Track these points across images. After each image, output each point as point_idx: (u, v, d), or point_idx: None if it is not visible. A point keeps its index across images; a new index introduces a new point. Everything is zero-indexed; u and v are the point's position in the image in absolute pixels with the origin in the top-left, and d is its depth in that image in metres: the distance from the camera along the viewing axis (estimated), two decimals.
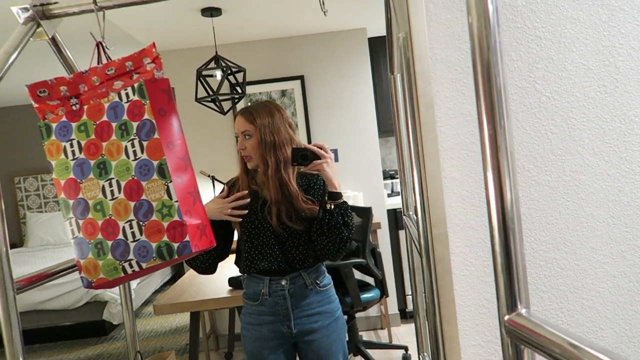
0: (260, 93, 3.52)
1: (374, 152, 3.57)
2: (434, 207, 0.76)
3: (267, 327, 1.54)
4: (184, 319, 4.19)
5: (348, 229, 1.46)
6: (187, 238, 1.10)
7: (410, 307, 3.66)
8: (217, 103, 2.71)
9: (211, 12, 2.73)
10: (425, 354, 1.34)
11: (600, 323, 0.81)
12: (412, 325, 3.55)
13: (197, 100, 2.73)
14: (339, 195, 1.45)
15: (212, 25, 2.89)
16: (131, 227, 1.13)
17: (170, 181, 1.12)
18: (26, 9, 1.16)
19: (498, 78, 0.57)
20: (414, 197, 0.84)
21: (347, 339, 1.65)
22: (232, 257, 1.70)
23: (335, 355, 1.57)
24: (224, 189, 1.63)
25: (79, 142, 1.18)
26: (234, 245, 1.66)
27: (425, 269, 0.81)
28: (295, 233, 1.51)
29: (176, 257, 1.11)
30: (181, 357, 3.39)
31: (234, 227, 1.62)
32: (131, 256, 1.13)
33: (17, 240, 5.64)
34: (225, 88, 3.36)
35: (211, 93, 2.65)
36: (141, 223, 1.12)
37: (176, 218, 1.11)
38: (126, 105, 1.16)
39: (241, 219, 1.53)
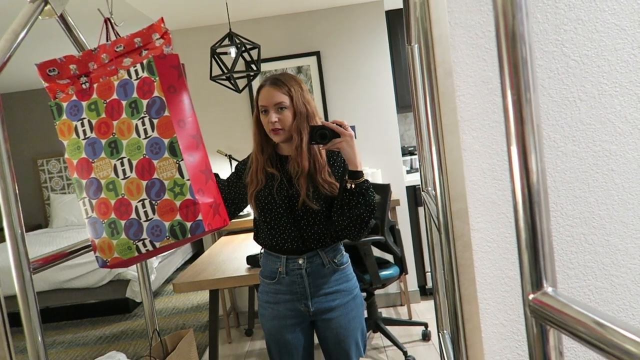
0: (275, 70, 3.47)
1: (392, 128, 3.50)
2: (453, 182, 0.72)
3: (284, 305, 1.54)
4: (204, 296, 4.25)
5: (369, 208, 1.41)
6: (199, 217, 1.09)
7: (430, 284, 3.64)
8: (232, 81, 2.67)
9: None
10: (445, 331, 1.32)
11: (631, 301, 0.77)
12: (432, 302, 3.53)
13: (212, 78, 2.70)
14: (359, 173, 1.40)
15: (226, 2, 2.84)
16: (144, 206, 1.12)
17: (182, 159, 1.10)
18: None
19: (523, 42, 0.53)
20: (433, 172, 0.80)
21: (365, 316, 1.63)
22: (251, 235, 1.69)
23: (353, 334, 1.56)
24: (232, 174, 1.60)
25: (89, 121, 1.17)
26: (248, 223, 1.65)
27: (444, 245, 0.78)
28: (311, 212, 1.47)
29: (189, 236, 1.10)
30: (202, 333, 3.44)
31: (247, 204, 1.59)
32: (144, 235, 1.12)
33: (43, 221, 5.77)
34: (240, 66, 3.32)
35: (226, 71, 2.62)
36: (154, 202, 1.11)
37: (188, 197, 1.09)
38: (136, 83, 1.13)
39: (255, 200, 1.50)
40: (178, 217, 1.09)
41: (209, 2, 2.95)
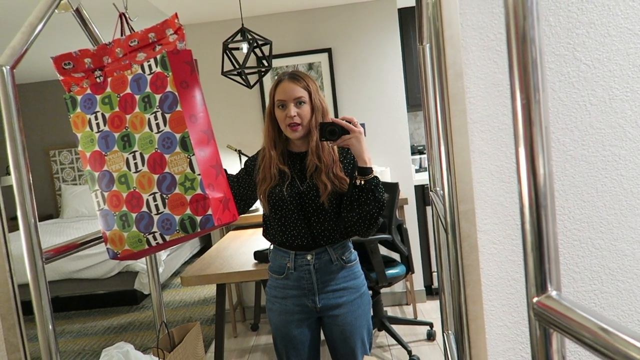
0: (287, 66, 3.48)
1: (402, 126, 3.50)
2: (461, 183, 0.73)
3: (292, 300, 1.55)
4: (211, 290, 4.28)
5: (378, 205, 1.41)
6: (209, 211, 1.10)
7: (436, 284, 3.63)
8: (243, 76, 2.68)
9: None
10: (449, 332, 1.32)
11: (637, 307, 0.77)
12: (438, 302, 3.53)
13: (223, 73, 2.71)
14: (369, 170, 1.40)
15: None
16: (155, 199, 1.13)
17: (193, 154, 1.11)
18: None
19: (534, 44, 0.53)
20: (441, 172, 0.80)
21: (371, 314, 1.64)
22: (260, 231, 1.70)
23: (359, 331, 1.57)
24: (241, 170, 1.61)
25: (103, 115, 1.19)
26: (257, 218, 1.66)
27: (451, 246, 0.78)
28: (321, 209, 1.48)
29: (199, 230, 1.11)
30: (209, 327, 3.47)
31: (255, 200, 1.60)
32: (155, 229, 1.13)
33: (54, 212, 5.84)
34: (252, 61, 3.33)
35: (237, 66, 2.63)
36: (164, 196, 1.12)
37: (199, 191, 1.10)
38: (149, 78, 1.15)
39: (267, 197, 1.51)
40: (188, 211, 1.11)
41: None
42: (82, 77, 1.22)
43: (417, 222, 3.56)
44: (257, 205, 3.36)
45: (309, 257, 1.52)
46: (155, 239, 1.14)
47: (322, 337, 1.64)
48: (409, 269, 2.81)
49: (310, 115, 1.48)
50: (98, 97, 1.19)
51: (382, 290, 3.27)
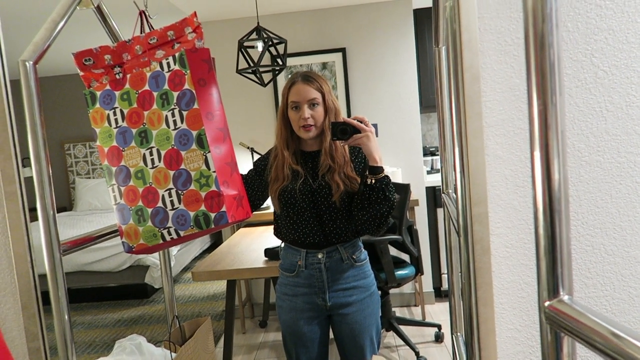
0: (301, 65, 3.49)
1: (414, 127, 3.49)
2: (475, 186, 0.73)
3: (302, 298, 1.56)
4: (221, 286, 4.31)
5: (389, 203, 1.43)
6: (223, 208, 1.12)
7: (445, 286, 3.62)
8: (257, 75, 2.70)
9: None
10: (458, 334, 1.33)
11: None
12: (447, 304, 3.52)
13: (238, 71, 2.73)
14: (380, 169, 1.42)
15: None
16: (170, 195, 1.15)
17: (209, 151, 1.13)
18: None
19: (552, 50, 0.53)
20: (455, 175, 0.81)
21: (380, 314, 1.65)
22: (271, 228, 1.72)
23: (368, 330, 1.58)
24: (251, 170, 1.61)
25: (121, 111, 1.21)
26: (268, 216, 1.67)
27: (463, 248, 0.79)
28: (333, 207, 1.50)
29: (213, 226, 1.13)
30: (217, 322, 3.50)
31: (264, 200, 1.61)
32: (170, 224, 1.15)
33: (67, 204, 5.92)
34: (266, 60, 3.35)
35: (252, 64, 2.65)
36: (180, 192, 1.14)
37: (213, 188, 1.12)
38: (167, 75, 1.17)
39: (279, 196, 1.53)
40: (203, 207, 1.12)
41: None
42: (102, 74, 1.25)
43: (428, 223, 3.55)
44: (268, 202, 3.37)
45: (319, 256, 1.53)
46: (169, 234, 1.16)
47: (331, 335, 1.65)
48: (419, 270, 2.81)
49: (324, 116, 1.49)
50: (117, 93, 1.21)
51: (391, 291, 3.27)
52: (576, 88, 0.74)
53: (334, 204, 1.49)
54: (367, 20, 3.45)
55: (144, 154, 1.18)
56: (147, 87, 1.18)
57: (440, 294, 3.65)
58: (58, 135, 5.82)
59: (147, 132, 1.17)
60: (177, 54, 1.16)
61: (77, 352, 3.25)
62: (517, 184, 0.77)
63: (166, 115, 1.15)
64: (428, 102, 3.71)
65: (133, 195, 1.19)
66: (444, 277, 3.61)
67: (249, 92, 3.50)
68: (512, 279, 0.78)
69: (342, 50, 3.47)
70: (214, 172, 1.12)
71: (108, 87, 1.22)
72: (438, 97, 1.32)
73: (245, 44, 2.65)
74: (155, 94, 1.17)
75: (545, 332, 0.54)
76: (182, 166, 1.14)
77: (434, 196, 3.57)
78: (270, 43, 2.63)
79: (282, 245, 1.64)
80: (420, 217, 3.50)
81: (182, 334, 1.42)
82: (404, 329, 2.93)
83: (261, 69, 2.72)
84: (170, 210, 1.15)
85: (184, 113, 1.14)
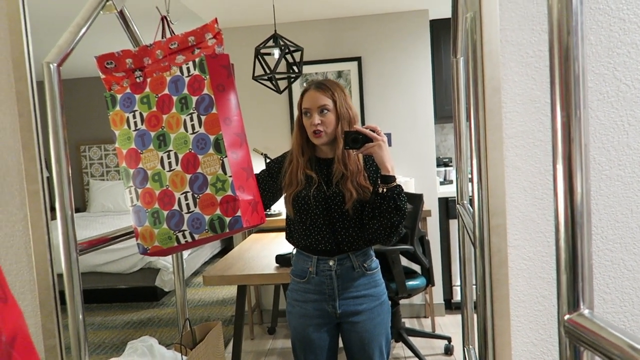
0: (316, 73, 3.51)
1: (428, 138, 3.49)
2: (494, 197, 0.73)
3: (312, 305, 1.56)
4: (230, 291, 4.32)
5: (400, 213, 1.43)
6: (238, 213, 1.12)
7: (455, 298, 3.59)
8: (273, 82, 2.72)
9: None
10: (470, 346, 1.31)
11: None
12: (456, 317, 3.49)
13: (254, 78, 2.75)
14: (392, 178, 1.42)
15: (273, 3, 2.89)
16: (186, 198, 1.16)
17: (226, 156, 1.13)
18: None
19: (577, 63, 0.53)
20: (472, 186, 0.80)
21: (390, 324, 1.64)
22: (282, 235, 1.72)
23: (377, 339, 1.57)
24: (263, 171, 1.62)
25: (141, 114, 1.22)
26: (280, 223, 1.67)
27: (479, 260, 0.78)
28: (346, 215, 1.50)
29: (227, 230, 1.14)
30: (226, 327, 3.50)
31: (274, 202, 1.62)
32: (185, 227, 1.16)
33: (81, 205, 5.99)
34: (282, 67, 3.37)
35: (268, 71, 2.67)
36: (196, 195, 1.15)
37: (229, 193, 1.13)
38: (187, 80, 1.18)
39: (292, 201, 1.53)
40: (218, 211, 1.13)
41: (257, 3, 3.01)
42: (123, 77, 1.26)
43: (440, 234, 3.53)
44: (280, 208, 3.38)
45: (331, 263, 1.53)
46: (184, 237, 1.17)
47: (340, 344, 1.64)
48: (429, 281, 2.79)
49: (335, 123, 1.50)
50: (137, 96, 1.23)
51: (401, 302, 3.25)
52: (598, 101, 0.74)
53: (347, 211, 1.49)
54: (384, 30, 3.46)
55: (162, 157, 1.19)
56: (166, 91, 1.20)
57: (450, 306, 3.62)
58: (74, 137, 5.90)
59: (166, 135, 1.19)
60: (197, 59, 1.18)
61: (88, 352, 3.26)
62: (535, 196, 0.76)
63: (185, 120, 1.17)
64: (443, 113, 3.71)
65: (150, 197, 1.20)
66: (455, 289, 3.58)
67: (265, 98, 3.52)
68: (528, 292, 0.77)
69: (358, 59, 3.48)
70: (230, 176, 1.13)
71: (128, 90, 1.24)
72: (455, 108, 1.31)
73: (262, 51, 2.67)
74: (174, 98, 1.19)
75: (565, 346, 0.54)
76: (199, 170, 1.15)
77: (446, 207, 3.55)
78: (286, 50, 2.65)
79: (294, 251, 1.65)
80: (432, 228, 3.48)
81: (193, 337, 1.43)
82: (413, 340, 2.90)
83: (277, 76, 2.74)
84: (186, 213, 1.16)
85: (203, 117, 1.15)
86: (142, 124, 1.22)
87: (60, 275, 0.94)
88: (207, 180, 1.14)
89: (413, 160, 3.50)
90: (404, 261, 2.93)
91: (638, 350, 0.44)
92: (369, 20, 3.47)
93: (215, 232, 1.14)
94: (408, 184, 3.33)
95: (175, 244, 1.18)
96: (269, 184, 1.60)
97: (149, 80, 1.23)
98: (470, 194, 1.20)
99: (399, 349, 3.04)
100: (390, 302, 1.63)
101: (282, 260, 2.23)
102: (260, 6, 3.05)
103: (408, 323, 3.40)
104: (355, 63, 3.49)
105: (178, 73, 1.20)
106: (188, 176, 1.16)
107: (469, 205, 1.27)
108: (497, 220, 0.73)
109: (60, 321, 0.89)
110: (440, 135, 4.31)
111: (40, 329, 0.88)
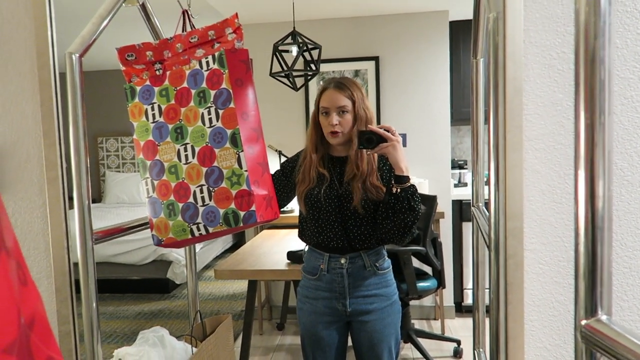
0: (333, 72, 3.50)
1: (444, 140, 3.46)
2: (512, 200, 0.72)
3: (322, 302, 1.56)
4: (240, 286, 4.34)
5: (413, 213, 1.42)
6: (253, 207, 1.13)
7: (466, 301, 3.56)
8: (290, 79, 2.72)
9: None
10: (481, 349, 1.30)
11: None
12: (467, 320, 3.46)
13: (272, 74, 2.76)
14: (406, 178, 1.42)
15: (292, 1, 2.89)
16: (201, 191, 1.17)
17: (242, 150, 1.14)
18: None
19: (603, 65, 0.52)
20: (489, 188, 0.80)
21: (400, 325, 1.63)
22: (294, 232, 1.72)
23: (387, 339, 1.56)
24: (277, 171, 1.62)
25: (159, 106, 1.23)
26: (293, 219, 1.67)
27: (494, 263, 0.78)
28: (358, 214, 1.50)
29: (241, 225, 1.14)
30: (235, 322, 3.52)
31: (288, 202, 1.62)
32: (199, 220, 1.17)
33: (97, 196, 6.06)
34: (300, 64, 3.37)
35: (286, 68, 2.67)
36: (211, 189, 1.16)
37: (244, 187, 1.13)
38: (206, 74, 1.19)
39: (304, 198, 1.54)
40: (233, 205, 1.14)
41: (276, 1, 3.02)
42: (143, 69, 1.28)
43: (452, 237, 3.51)
44: (293, 206, 3.39)
45: (342, 261, 1.53)
46: (198, 229, 1.18)
47: (350, 342, 1.64)
48: (440, 283, 2.77)
49: (352, 124, 1.49)
50: (156, 89, 1.24)
51: (411, 303, 3.24)
52: (622, 106, 0.73)
53: (359, 210, 1.49)
54: (402, 30, 3.44)
55: (179, 150, 1.20)
56: (185, 85, 1.20)
57: (461, 309, 3.59)
58: (92, 129, 5.97)
59: (183, 128, 1.20)
60: (216, 54, 1.18)
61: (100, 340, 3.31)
62: (554, 200, 0.75)
63: (202, 113, 1.17)
64: (459, 115, 3.68)
65: (165, 189, 1.21)
66: (466, 292, 3.56)
67: (281, 95, 3.53)
68: (543, 296, 0.76)
69: (375, 59, 3.47)
70: (246, 171, 1.14)
71: (148, 82, 1.25)
72: (473, 109, 1.30)
73: (280, 47, 2.68)
74: (193, 91, 1.19)
75: (581, 351, 0.53)
76: (215, 163, 1.16)
77: (460, 210, 3.53)
78: (304, 48, 2.65)
79: (306, 248, 1.65)
80: (445, 230, 3.46)
81: (204, 330, 1.44)
82: (422, 342, 2.89)
83: (294, 73, 2.74)
84: (201, 206, 1.17)
85: (220, 112, 1.16)
86: (160, 117, 1.23)
87: (75, 265, 0.95)
88: (223, 174, 1.15)
89: (428, 162, 3.48)
90: (416, 262, 2.92)
91: None
92: (388, 19, 3.45)
93: (230, 225, 1.15)
94: (422, 185, 3.32)
95: (189, 237, 1.19)
96: (284, 182, 1.60)
97: (168, 73, 1.24)
98: (486, 197, 1.19)
99: (408, 350, 3.03)
100: (400, 303, 1.63)
101: (293, 256, 2.23)
102: (279, 3, 3.06)
103: (417, 325, 3.38)
104: (372, 62, 3.47)
105: (197, 67, 1.20)
106: (204, 169, 1.17)
107: (484, 208, 1.26)
108: (514, 223, 0.72)
109: (75, 307, 0.91)
110: (457, 137, 4.27)
111: (56, 314, 0.89)
